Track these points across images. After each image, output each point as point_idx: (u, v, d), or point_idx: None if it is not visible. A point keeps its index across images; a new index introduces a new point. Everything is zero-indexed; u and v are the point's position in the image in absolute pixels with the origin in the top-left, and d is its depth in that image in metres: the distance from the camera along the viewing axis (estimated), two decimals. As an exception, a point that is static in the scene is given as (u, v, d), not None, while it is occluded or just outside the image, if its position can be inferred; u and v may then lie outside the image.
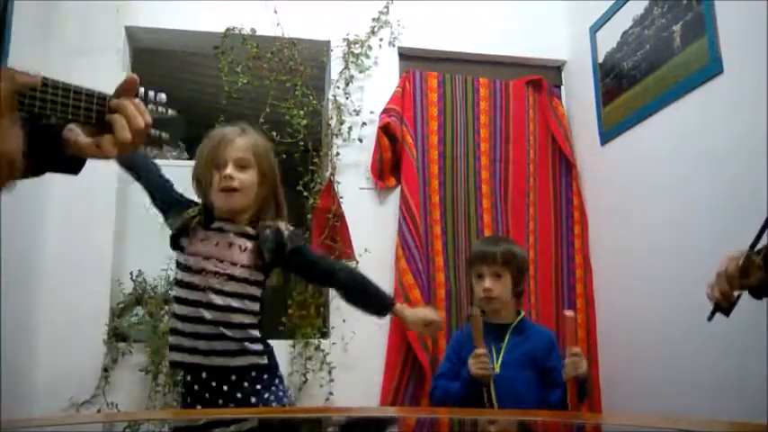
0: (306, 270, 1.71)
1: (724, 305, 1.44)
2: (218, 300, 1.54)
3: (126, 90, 0.88)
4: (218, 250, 1.57)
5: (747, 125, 1.92)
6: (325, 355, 2.51)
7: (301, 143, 2.65)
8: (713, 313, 1.42)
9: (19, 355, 2.17)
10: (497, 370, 1.92)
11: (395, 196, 2.74)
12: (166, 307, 2.48)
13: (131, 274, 2.56)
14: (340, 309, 2.56)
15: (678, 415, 2.07)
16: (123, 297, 2.54)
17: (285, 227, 1.64)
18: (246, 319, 1.58)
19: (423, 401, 2.48)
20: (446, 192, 2.78)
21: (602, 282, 2.74)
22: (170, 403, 2.33)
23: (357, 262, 2.62)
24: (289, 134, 2.65)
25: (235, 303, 1.56)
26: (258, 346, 1.59)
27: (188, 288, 1.58)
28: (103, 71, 2.54)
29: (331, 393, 2.47)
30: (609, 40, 2.69)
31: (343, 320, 2.54)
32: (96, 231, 2.50)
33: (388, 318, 2.58)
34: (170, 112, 0.93)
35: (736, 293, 1.49)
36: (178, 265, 1.63)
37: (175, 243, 1.65)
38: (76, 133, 0.86)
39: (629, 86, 2.54)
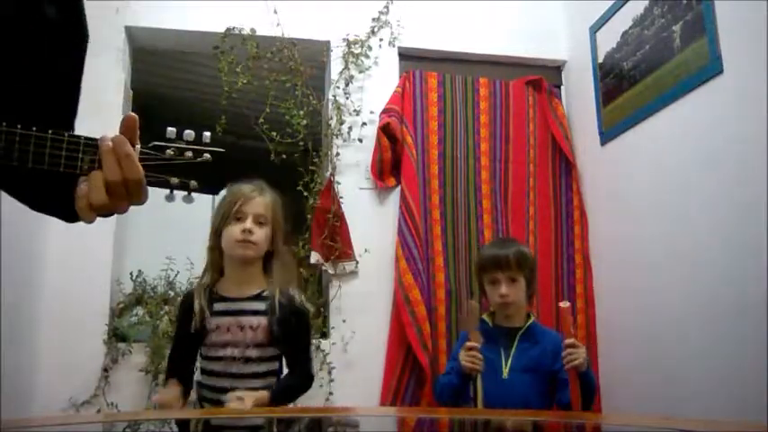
0: (285, 347, 1.75)
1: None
2: (240, 383, 1.66)
3: (126, 132, 0.73)
4: (231, 336, 1.69)
5: (747, 125, 1.92)
6: (326, 355, 2.51)
7: (301, 143, 2.65)
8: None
9: (19, 355, 2.17)
10: (505, 375, 1.91)
11: (395, 196, 2.74)
12: (166, 307, 2.49)
13: (131, 274, 2.56)
14: (340, 309, 2.57)
15: (678, 415, 2.06)
16: (123, 297, 2.54)
17: (298, 298, 1.77)
18: (260, 384, 1.69)
19: (423, 401, 2.48)
20: (446, 192, 2.78)
21: (602, 282, 2.74)
22: (170, 403, 2.33)
23: (357, 262, 2.62)
24: (289, 134, 2.65)
25: (255, 383, 1.68)
26: None
27: (210, 375, 1.71)
28: (103, 71, 2.55)
29: (331, 393, 2.47)
30: (609, 40, 2.69)
31: (344, 320, 2.54)
32: (96, 232, 2.49)
33: (388, 318, 2.59)
34: (205, 155, 0.76)
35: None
36: (201, 355, 1.75)
37: (197, 337, 1.73)
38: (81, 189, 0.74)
39: (629, 86, 2.54)
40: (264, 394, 1.62)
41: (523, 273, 1.96)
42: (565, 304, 1.87)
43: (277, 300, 1.70)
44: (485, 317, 2.04)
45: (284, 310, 1.71)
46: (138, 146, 0.72)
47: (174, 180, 0.75)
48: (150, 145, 0.74)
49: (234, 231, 1.69)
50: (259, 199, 1.74)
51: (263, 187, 1.79)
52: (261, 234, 1.71)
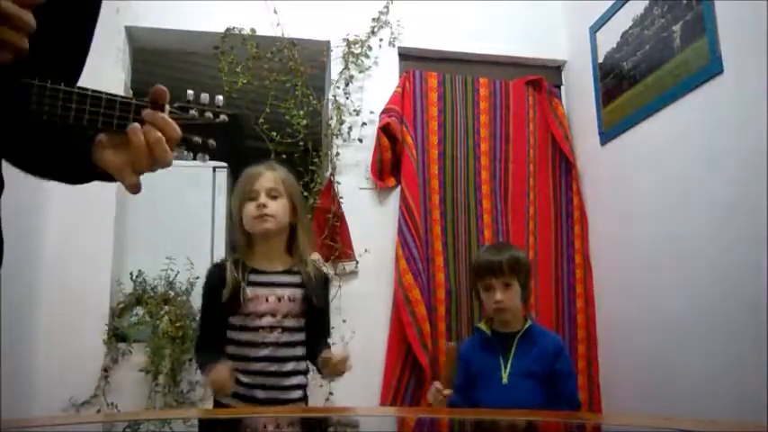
0: (315, 317, 1.82)
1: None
2: (276, 352, 1.71)
3: (153, 102, 0.79)
4: (269, 306, 1.73)
5: (747, 125, 1.92)
6: (325, 354, 2.51)
7: (301, 143, 2.65)
8: None
9: (19, 355, 2.17)
10: (505, 381, 1.91)
11: (395, 196, 2.74)
12: (166, 307, 2.48)
13: (131, 274, 2.56)
14: (340, 309, 2.57)
15: (678, 415, 2.07)
16: (123, 297, 2.54)
17: (326, 269, 1.89)
18: (299, 366, 1.76)
19: (423, 401, 2.47)
20: (446, 192, 2.78)
21: (602, 282, 2.74)
22: (170, 403, 2.33)
23: (357, 262, 2.62)
24: (289, 134, 2.65)
25: (289, 352, 1.73)
26: (304, 381, 1.78)
27: (244, 346, 1.71)
28: (103, 71, 2.55)
29: (331, 393, 2.46)
30: (609, 40, 2.69)
31: (344, 320, 2.54)
32: (96, 231, 2.50)
33: (388, 318, 2.59)
34: (221, 116, 0.82)
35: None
36: (232, 326, 1.73)
37: (227, 308, 1.74)
38: (103, 144, 0.79)
39: (629, 86, 2.54)
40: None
41: (518, 278, 1.94)
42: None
43: (312, 273, 1.78)
44: (481, 325, 2.03)
45: (318, 282, 1.79)
46: (168, 107, 0.79)
47: (197, 139, 0.81)
48: (176, 105, 0.79)
49: (250, 209, 1.74)
50: (269, 173, 1.79)
51: (273, 164, 1.85)
52: (276, 206, 1.75)
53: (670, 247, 2.27)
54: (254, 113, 2.67)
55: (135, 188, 0.79)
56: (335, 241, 2.59)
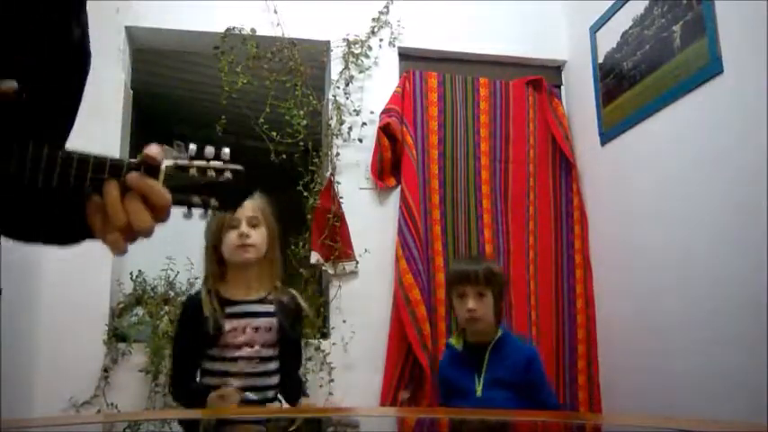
0: (289, 346, 1.86)
1: None
2: (253, 381, 1.74)
3: (145, 165, 0.70)
4: (246, 337, 1.75)
5: (747, 125, 1.92)
6: (326, 355, 2.51)
7: (301, 143, 2.65)
8: None
9: (19, 355, 2.17)
10: (479, 394, 1.90)
11: (395, 196, 2.74)
12: (166, 307, 2.48)
13: (131, 274, 2.56)
14: (340, 309, 2.57)
15: (678, 415, 2.06)
16: (123, 297, 2.54)
17: (299, 300, 1.89)
18: (271, 394, 1.79)
19: (423, 401, 2.47)
20: (446, 192, 2.78)
21: (602, 282, 2.74)
22: (170, 403, 2.33)
23: (357, 262, 2.62)
24: (289, 134, 2.65)
25: (266, 381, 1.78)
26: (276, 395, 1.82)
27: (222, 376, 1.75)
28: (103, 71, 2.54)
29: (331, 393, 2.46)
30: (609, 40, 2.69)
31: (344, 321, 2.54)
32: (96, 231, 2.49)
33: (388, 318, 2.59)
34: (225, 174, 0.73)
35: None
36: (210, 357, 1.77)
37: (205, 340, 1.77)
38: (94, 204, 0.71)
39: (629, 86, 2.54)
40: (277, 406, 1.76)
41: (492, 289, 1.95)
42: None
43: (285, 301, 1.82)
44: (452, 340, 2.03)
45: (292, 310, 1.83)
46: (163, 166, 0.71)
47: (196, 199, 0.73)
48: (173, 164, 0.71)
49: (231, 238, 1.77)
50: (248, 203, 1.77)
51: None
52: (257, 235, 1.79)
53: (670, 247, 2.27)
54: (254, 113, 2.67)
55: (116, 248, 0.71)
56: (335, 241, 2.59)
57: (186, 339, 1.82)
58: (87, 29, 0.82)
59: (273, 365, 1.79)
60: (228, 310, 1.76)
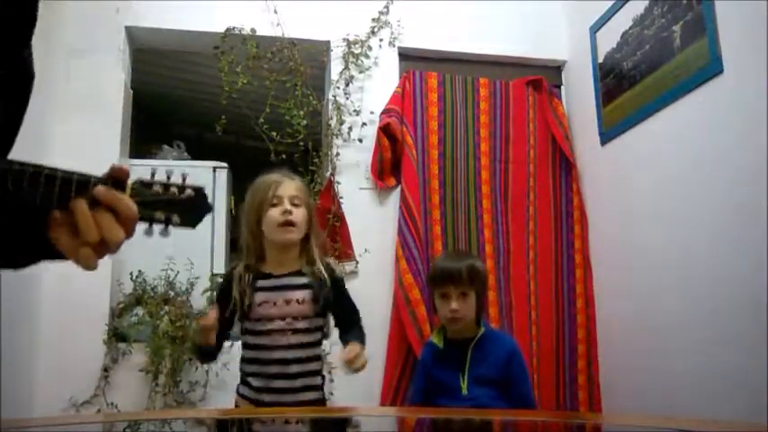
0: (341, 309, 1.89)
1: None
2: (288, 354, 1.73)
3: (113, 179, 0.73)
4: (278, 310, 1.75)
5: (747, 125, 1.92)
6: (326, 355, 2.50)
7: (301, 143, 2.65)
8: None
9: (19, 355, 2.17)
10: (465, 392, 1.89)
11: (395, 196, 2.74)
12: (166, 307, 2.48)
13: (131, 274, 2.56)
14: (340, 309, 2.56)
15: (678, 415, 2.07)
16: (123, 297, 2.53)
17: (335, 267, 1.88)
18: (312, 366, 1.79)
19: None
20: (446, 192, 2.78)
21: (602, 282, 2.74)
22: (170, 403, 2.33)
23: (357, 262, 2.62)
24: (289, 134, 2.65)
25: (301, 354, 1.75)
26: (319, 383, 1.84)
27: (257, 350, 1.75)
28: (103, 71, 2.55)
29: (331, 393, 2.46)
30: (609, 40, 2.69)
31: (344, 320, 2.54)
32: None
33: (388, 318, 2.59)
34: (187, 191, 0.79)
35: None
36: (245, 331, 1.78)
37: (240, 312, 1.77)
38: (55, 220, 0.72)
39: (629, 86, 2.54)
40: (358, 345, 1.75)
41: (474, 287, 1.92)
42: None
43: (324, 274, 1.80)
44: (433, 338, 2.01)
45: (327, 281, 1.80)
46: (130, 182, 0.75)
47: (159, 215, 0.78)
48: (137, 182, 0.76)
49: (274, 215, 1.74)
50: (291, 182, 1.81)
51: (290, 174, 1.88)
52: (299, 214, 1.77)
53: (670, 247, 2.27)
54: (254, 113, 2.67)
55: (88, 264, 0.75)
56: (335, 241, 2.59)
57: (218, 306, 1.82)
58: (31, 49, 0.84)
59: (310, 338, 1.77)
60: (261, 283, 1.76)
